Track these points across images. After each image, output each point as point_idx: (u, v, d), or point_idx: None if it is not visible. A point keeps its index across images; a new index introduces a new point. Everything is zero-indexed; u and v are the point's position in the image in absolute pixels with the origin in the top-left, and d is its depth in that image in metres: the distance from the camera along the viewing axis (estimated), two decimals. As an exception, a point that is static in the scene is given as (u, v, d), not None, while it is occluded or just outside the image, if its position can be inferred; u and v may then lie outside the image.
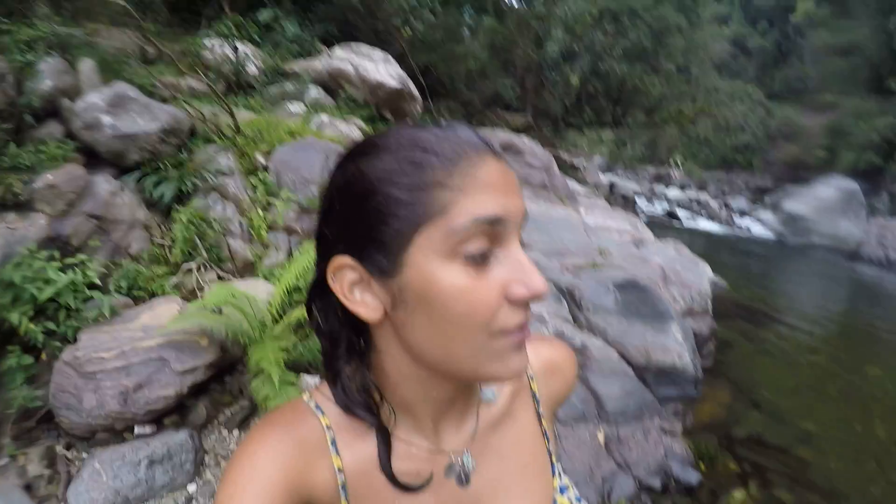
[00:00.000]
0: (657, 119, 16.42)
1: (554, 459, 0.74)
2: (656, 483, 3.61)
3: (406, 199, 0.50)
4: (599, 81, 15.02)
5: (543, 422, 0.74)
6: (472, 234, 0.49)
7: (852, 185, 16.41)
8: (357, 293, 0.55)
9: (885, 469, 4.26)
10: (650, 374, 4.28)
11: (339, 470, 0.59)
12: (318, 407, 0.62)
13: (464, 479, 0.64)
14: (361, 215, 0.52)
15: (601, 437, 3.74)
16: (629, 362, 4.30)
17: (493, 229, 0.50)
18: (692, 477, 3.70)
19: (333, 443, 0.60)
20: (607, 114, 16.58)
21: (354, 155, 0.55)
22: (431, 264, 0.50)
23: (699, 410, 4.52)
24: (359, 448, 0.60)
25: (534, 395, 0.74)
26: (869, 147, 19.12)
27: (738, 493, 3.71)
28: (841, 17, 23.90)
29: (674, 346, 4.33)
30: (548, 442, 0.73)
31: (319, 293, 0.60)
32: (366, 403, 0.60)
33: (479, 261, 0.50)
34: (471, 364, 0.53)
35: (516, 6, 14.10)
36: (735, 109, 24.69)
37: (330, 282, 0.56)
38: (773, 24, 30.18)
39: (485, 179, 0.51)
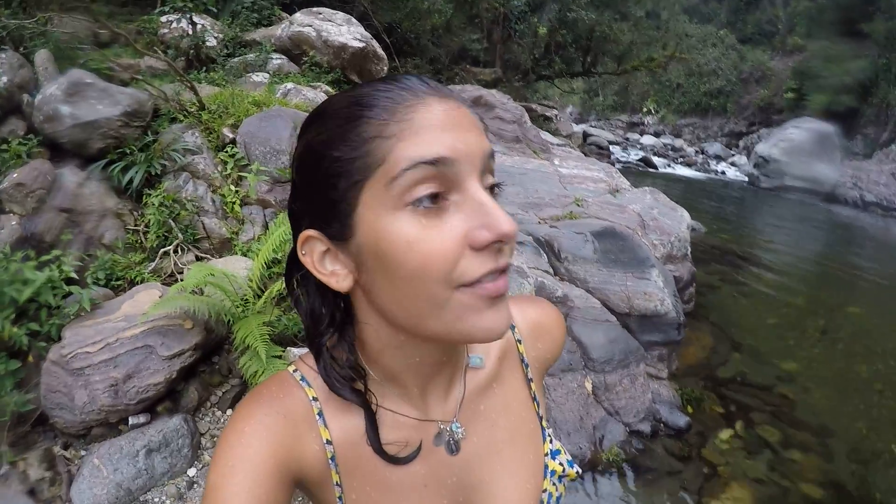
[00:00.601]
0: (628, 67, 16.28)
1: (544, 424, 0.73)
2: (646, 428, 3.73)
3: (347, 156, 0.50)
4: (568, 31, 14.78)
5: (532, 386, 0.72)
6: (415, 179, 0.47)
7: (826, 127, 16.59)
8: (327, 264, 0.54)
9: (869, 405, 4.43)
10: (633, 321, 4.36)
11: (328, 442, 0.59)
12: (303, 379, 0.61)
13: (453, 447, 0.63)
14: (315, 184, 0.52)
15: (589, 385, 3.82)
16: (612, 310, 4.37)
17: (440, 171, 0.48)
18: (680, 420, 3.82)
19: (321, 415, 0.59)
20: (577, 63, 16.39)
21: (305, 127, 0.55)
22: (380, 219, 0.49)
23: (683, 354, 4.64)
24: (346, 419, 0.60)
25: (522, 359, 0.73)
26: (842, 90, 19.18)
27: (725, 433, 3.84)
28: None
29: (655, 292, 4.40)
30: (537, 406, 0.72)
31: (297, 269, 0.59)
32: (349, 379, 0.58)
33: (430, 207, 0.48)
34: (440, 323, 0.50)
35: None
36: (707, 54, 24.63)
37: (300, 256, 0.55)
38: (743, -34, 29.85)
39: (424, 122, 0.49)
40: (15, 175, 3.42)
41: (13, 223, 3.31)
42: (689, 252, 5.60)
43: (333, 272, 0.54)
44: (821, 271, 8.46)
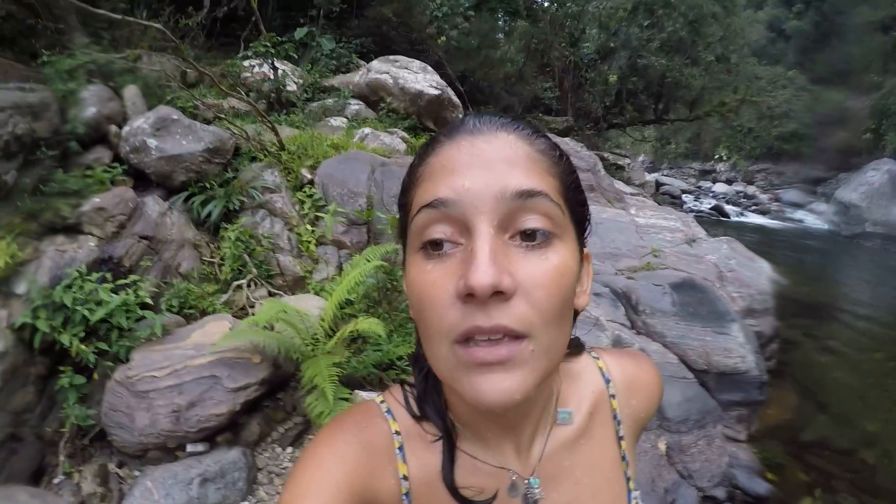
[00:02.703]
0: (699, 112, 15.99)
1: (631, 486, 0.68)
2: (721, 494, 3.48)
3: (401, 203, 0.54)
4: (638, 77, 14.73)
5: (623, 444, 0.68)
6: (422, 223, 0.48)
7: None
8: None
9: None
10: (712, 379, 4.11)
11: (405, 477, 0.58)
12: (389, 411, 0.61)
13: (531, 502, 0.60)
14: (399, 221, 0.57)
15: (662, 446, 3.60)
16: (689, 367, 4.14)
17: (444, 213, 0.46)
18: (759, 487, 3.55)
19: (401, 449, 0.58)
20: (649, 110, 16.27)
21: None
22: (408, 259, 0.51)
23: (764, 415, 4.35)
24: (425, 457, 0.58)
25: (614, 415, 0.68)
26: None
27: (806, 502, 3.54)
28: None
29: (736, 348, 4.15)
30: (626, 466, 0.68)
31: None
32: (438, 408, 0.59)
33: (432, 251, 0.47)
34: (443, 375, 0.49)
35: (548, 6, 13.97)
36: (778, 96, 23.85)
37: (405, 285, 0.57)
38: (809, 5, 29.01)
39: (439, 163, 0.49)
40: (97, 200, 3.59)
41: (91, 244, 3.45)
42: (770, 305, 5.29)
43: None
44: None
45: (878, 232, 14.84)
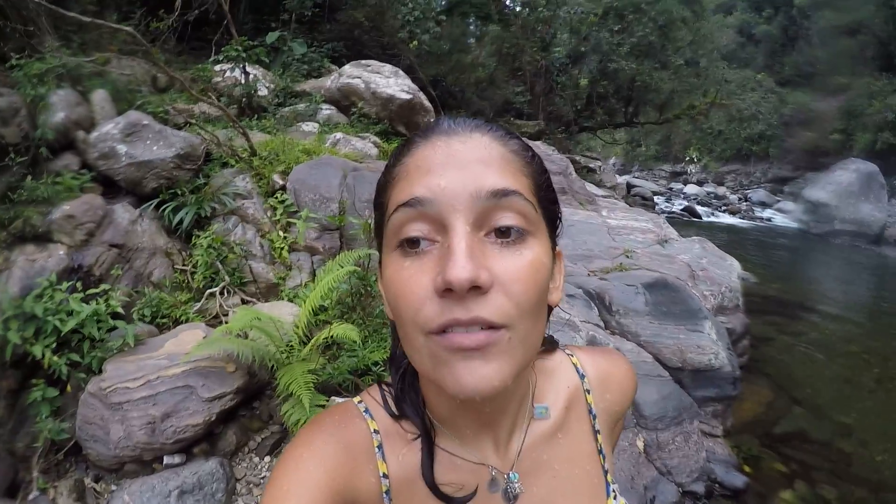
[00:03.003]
0: (669, 115, 16.26)
1: (609, 478, 0.69)
2: (700, 488, 3.52)
3: (376, 200, 0.56)
4: (609, 81, 14.93)
5: (599, 438, 0.69)
6: (399, 222, 0.49)
7: (871, 166, 16.13)
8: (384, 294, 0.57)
9: None
10: (687, 376, 4.17)
11: (384, 476, 0.58)
12: (367, 411, 0.62)
13: (510, 496, 0.61)
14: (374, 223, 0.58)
15: (640, 443, 3.63)
16: (664, 365, 4.19)
17: (421, 212, 0.48)
18: (737, 480, 3.60)
19: (380, 448, 0.59)
20: (619, 114, 16.49)
21: None
22: (384, 258, 0.53)
23: (739, 410, 4.43)
24: (404, 455, 0.59)
25: (590, 409, 0.70)
26: (885, 126, 18.74)
27: (787, 495, 3.62)
28: None
29: (709, 345, 4.21)
30: (603, 459, 0.69)
31: None
32: (416, 406, 0.60)
33: (410, 250, 0.48)
34: (422, 368, 0.49)
35: (520, 11, 14.08)
36: (747, 99, 24.38)
37: (379, 285, 0.58)
38: (778, 9, 29.78)
39: (415, 163, 0.50)
40: (66, 207, 3.52)
41: (61, 253, 3.39)
42: (741, 302, 5.39)
43: (386, 302, 0.57)
44: (874, 318, 8.12)
45: (847, 230, 15.26)
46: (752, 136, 25.89)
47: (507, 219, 0.48)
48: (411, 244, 0.48)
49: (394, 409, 0.61)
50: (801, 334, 6.63)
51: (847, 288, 10.03)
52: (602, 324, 4.51)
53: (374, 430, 0.60)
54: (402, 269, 0.48)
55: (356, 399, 0.64)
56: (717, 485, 3.58)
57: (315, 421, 0.61)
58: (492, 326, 0.45)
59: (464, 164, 0.48)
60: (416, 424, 0.59)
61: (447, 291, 0.44)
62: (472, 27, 13.73)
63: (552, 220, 0.56)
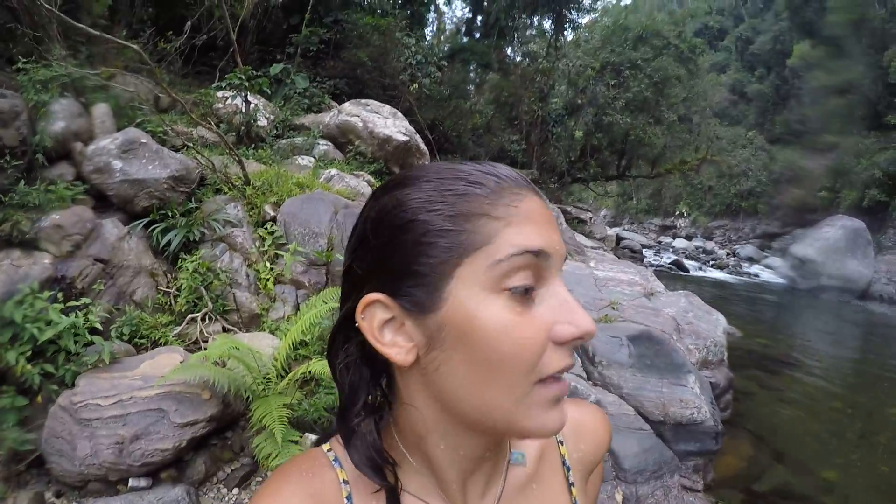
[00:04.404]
0: (661, 170, 16.59)
1: None
2: (679, 545, 3.44)
3: (449, 227, 0.48)
4: (603, 134, 15.27)
5: (574, 491, 0.67)
6: (517, 266, 0.47)
7: (857, 223, 16.38)
8: (388, 334, 0.51)
9: None
10: (668, 429, 4.13)
11: None
12: (336, 460, 0.59)
13: None
14: (398, 246, 0.49)
15: (619, 497, 3.57)
16: (646, 418, 4.15)
17: (538, 263, 0.48)
18: (716, 535, 3.52)
19: (349, 499, 0.56)
20: (612, 166, 16.83)
21: (391, 187, 0.53)
22: (474, 298, 0.47)
23: (721, 465, 4.37)
24: None
25: (563, 461, 0.68)
26: (872, 184, 19.18)
27: None
28: (836, 57, 24.33)
29: (692, 399, 4.19)
30: None
31: (343, 338, 0.56)
32: (376, 463, 0.55)
33: (524, 296, 0.47)
34: (507, 415, 0.48)
35: (520, 61, 14.47)
36: (737, 156, 24.94)
37: (359, 320, 0.51)
38: (771, 70, 30.83)
39: (527, 212, 0.49)
40: (56, 217, 3.50)
41: (46, 262, 3.35)
42: (725, 357, 5.39)
43: (395, 343, 0.50)
44: (859, 373, 8.14)
45: (833, 285, 15.41)
46: (741, 192, 26.39)
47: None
48: (527, 294, 0.48)
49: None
50: (784, 389, 6.62)
51: (832, 343, 10.07)
52: (585, 375, 4.50)
53: (343, 479, 0.57)
54: (517, 315, 0.47)
55: (325, 447, 0.61)
56: None
57: (282, 471, 0.59)
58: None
59: (556, 227, 0.51)
60: (374, 481, 0.55)
61: (569, 341, 0.48)
62: (472, 74, 14.07)
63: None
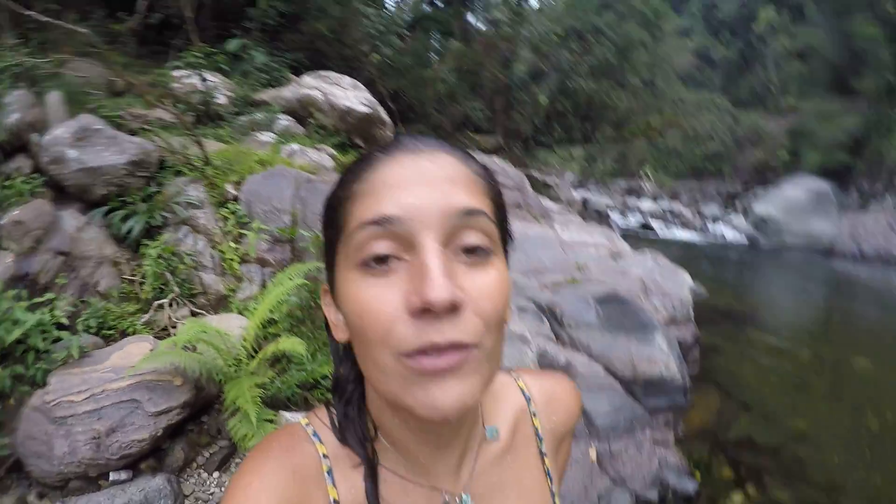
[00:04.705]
0: (626, 133, 16.74)
1: (557, 501, 0.70)
2: (653, 495, 3.56)
3: (331, 216, 0.53)
4: (567, 99, 15.28)
5: (546, 461, 0.70)
6: (364, 239, 0.47)
7: (821, 184, 16.78)
8: (332, 314, 0.56)
9: (881, 458, 4.27)
10: (638, 387, 4.25)
11: (335, 501, 0.56)
12: (315, 434, 0.60)
13: None
14: (324, 240, 0.56)
15: (593, 453, 3.68)
16: (615, 376, 4.27)
17: (389, 230, 0.47)
18: (689, 486, 3.66)
19: (330, 473, 0.57)
20: (576, 131, 16.89)
21: None
22: (344, 277, 0.50)
23: (690, 418, 4.51)
24: (355, 479, 0.57)
25: (536, 432, 0.70)
26: (836, 146, 19.65)
27: (736, 497, 3.70)
28: (800, 23, 24.64)
29: (659, 356, 4.32)
30: (550, 482, 0.69)
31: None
32: (360, 434, 0.58)
33: (377, 268, 0.47)
34: (388, 390, 0.48)
35: (483, 29, 14.31)
36: (702, 119, 25.25)
37: (323, 306, 0.58)
38: (736, 34, 30.98)
39: (382, 180, 0.49)
40: (16, 212, 3.41)
41: (8, 261, 3.27)
42: (691, 314, 5.54)
43: (336, 323, 0.55)
44: (823, 326, 8.44)
45: (796, 243, 15.83)
46: (706, 154, 26.70)
47: (474, 238, 0.48)
48: (379, 261, 0.47)
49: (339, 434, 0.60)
50: (750, 344, 6.79)
51: (797, 299, 10.37)
52: (553, 336, 4.57)
53: (323, 454, 0.58)
54: (367, 287, 0.47)
55: (303, 421, 0.62)
56: (670, 491, 3.62)
57: (262, 447, 0.58)
58: (465, 346, 0.45)
59: (433, 182, 0.48)
60: (358, 454, 0.57)
61: (423, 312, 0.44)
62: (434, 42, 13.88)
63: (506, 240, 0.57)
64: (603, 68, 15.03)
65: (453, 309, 0.44)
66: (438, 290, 0.43)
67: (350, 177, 0.52)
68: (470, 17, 14.32)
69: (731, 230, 19.85)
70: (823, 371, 6.14)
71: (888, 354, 6.99)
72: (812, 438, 4.50)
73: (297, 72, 8.76)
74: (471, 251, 0.48)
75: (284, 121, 7.06)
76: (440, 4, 14.93)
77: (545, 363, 4.05)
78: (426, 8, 15.43)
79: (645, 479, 3.64)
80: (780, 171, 22.15)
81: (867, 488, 3.90)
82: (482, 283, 0.48)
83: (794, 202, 16.38)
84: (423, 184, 0.48)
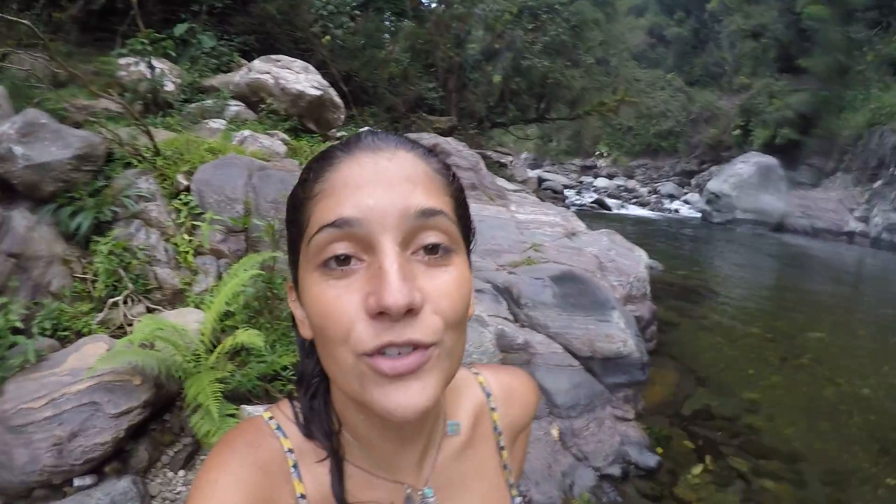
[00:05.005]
0: (580, 112, 16.88)
1: (514, 492, 0.72)
2: (616, 471, 3.67)
3: (293, 216, 0.54)
4: (522, 78, 15.31)
5: (504, 454, 0.72)
6: (323, 241, 0.48)
7: (770, 160, 17.37)
8: (299, 312, 0.56)
9: (837, 426, 4.49)
10: (597, 364, 4.36)
11: (302, 496, 0.56)
12: (279, 428, 0.59)
13: None
14: (288, 238, 0.57)
15: (555, 432, 3.77)
16: (574, 354, 4.36)
17: (348, 232, 0.47)
18: (650, 460, 3.77)
19: (296, 467, 0.57)
20: (531, 110, 16.96)
21: None
22: (306, 276, 0.51)
23: (649, 393, 4.63)
24: (321, 474, 0.57)
25: (495, 426, 0.72)
26: (785, 123, 20.27)
27: (696, 469, 3.81)
28: (752, 2, 25.21)
29: (617, 334, 4.43)
30: (508, 475, 0.72)
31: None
32: (326, 428, 0.58)
33: (335, 269, 0.48)
34: (349, 389, 0.49)
35: (435, 7, 14.15)
36: (656, 97, 25.73)
37: (290, 302, 0.58)
38: (690, 13, 31.51)
39: (340, 180, 0.49)
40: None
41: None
42: (648, 291, 5.69)
43: (303, 321, 0.56)
44: (777, 300, 8.75)
45: (748, 218, 16.43)
46: (661, 133, 27.35)
47: (433, 237, 0.49)
48: (339, 262, 0.47)
49: (304, 428, 0.60)
50: (706, 318, 7.02)
51: (750, 273, 10.73)
52: (511, 317, 4.63)
53: (289, 448, 0.58)
54: (328, 288, 0.47)
55: (266, 415, 0.61)
56: (632, 466, 3.74)
57: (226, 441, 0.58)
58: (424, 346, 0.46)
59: (391, 183, 0.48)
60: (324, 447, 0.57)
61: (381, 314, 0.44)
62: (386, 23, 13.65)
63: (468, 237, 0.57)
64: (556, 47, 15.07)
65: (411, 311, 0.45)
66: (395, 294, 0.43)
67: (310, 175, 0.52)
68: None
69: (685, 206, 20.42)
70: (776, 343, 6.35)
71: (838, 326, 7.31)
72: (767, 409, 4.66)
73: (248, 56, 8.53)
74: (431, 250, 0.49)
75: (235, 107, 6.89)
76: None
77: (503, 344, 4.11)
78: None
79: (607, 456, 3.74)
80: (733, 149, 22.85)
81: (822, 454, 4.08)
82: (441, 282, 0.48)
83: (745, 179, 16.93)
84: (381, 184, 0.48)
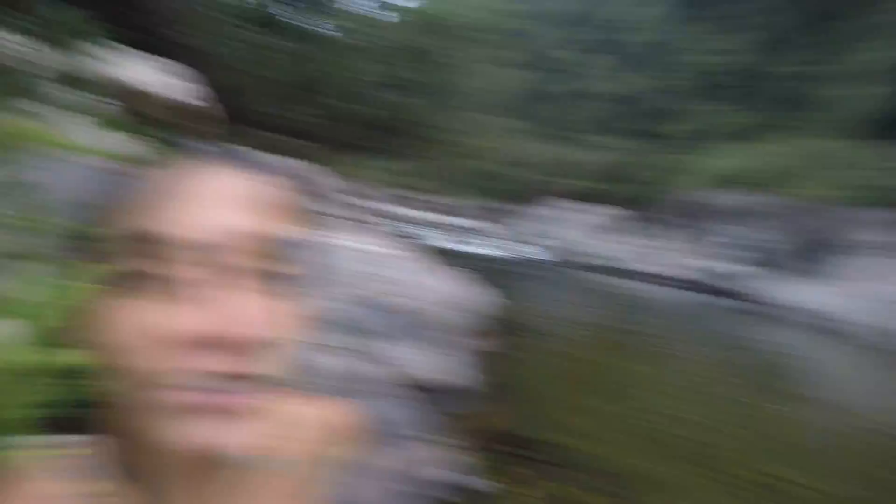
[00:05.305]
0: (440, 151, 17.48)
1: None
2: (450, 499, 3.73)
3: (111, 226, 0.47)
4: (386, 113, 15.67)
5: (311, 486, 0.66)
6: (143, 256, 0.43)
7: (616, 210, 19.47)
8: (101, 333, 0.48)
9: (650, 444, 5.05)
10: (433, 394, 4.46)
11: None
12: (67, 469, 0.51)
13: None
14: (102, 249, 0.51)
15: (386, 461, 3.67)
16: (407, 385, 4.39)
17: (174, 251, 0.42)
18: (484, 487, 3.91)
19: None
20: (392, 145, 17.16)
21: None
22: (116, 293, 0.44)
23: (484, 423, 4.81)
24: None
25: (307, 460, 0.66)
26: (638, 181, 23.00)
27: (532, 493, 4.00)
28: (628, 70, 28.11)
29: (454, 366, 4.64)
30: None
31: None
32: (121, 468, 0.50)
33: (149, 287, 0.42)
34: (149, 425, 0.43)
35: (325, 35, 14.14)
36: (509, 143, 27.18)
37: (90, 322, 0.50)
38: (568, 74, 33.92)
39: (177, 196, 0.44)
40: None
41: None
42: (487, 326, 5.97)
43: (104, 343, 0.48)
44: (608, 337, 9.68)
45: (591, 262, 18.41)
46: (511, 178, 28.75)
47: (267, 263, 0.45)
48: (152, 282, 0.42)
49: (77, 470, 0.50)
50: (538, 351, 7.49)
51: (578, 309, 11.82)
52: (350, 348, 4.42)
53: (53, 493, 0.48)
54: (136, 309, 0.42)
55: (51, 453, 0.52)
56: (466, 493, 3.81)
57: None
58: (246, 377, 0.42)
59: (228, 202, 0.45)
60: (115, 490, 0.49)
61: (198, 343, 0.40)
62: (276, 43, 13.36)
63: (307, 265, 0.52)
64: (416, 86, 15.74)
65: (230, 341, 0.41)
66: (224, 322, 0.40)
67: (144, 185, 0.46)
68: (314, 23, 14.00)
69: (529, 247, 21.71)
70: (608, 377, 6.96)
71: (660, 359, 8.36)
72: (596, 434, 5.06)
73: (124, 54, 7.96)
74: (264, 276, 0.45)
75: (102, 105, 6.41)
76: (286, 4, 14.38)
77: (334, 375, 3.99)
78: (271, 9, 14.71)
79: (440, 485, 3.76)
80: (581, 199, 24.75)
81: (641, 471, 4.51)
82: (270, 310, 0.44)
83: (591, 226, 18.72)
84: (218, 204, 0.44)
